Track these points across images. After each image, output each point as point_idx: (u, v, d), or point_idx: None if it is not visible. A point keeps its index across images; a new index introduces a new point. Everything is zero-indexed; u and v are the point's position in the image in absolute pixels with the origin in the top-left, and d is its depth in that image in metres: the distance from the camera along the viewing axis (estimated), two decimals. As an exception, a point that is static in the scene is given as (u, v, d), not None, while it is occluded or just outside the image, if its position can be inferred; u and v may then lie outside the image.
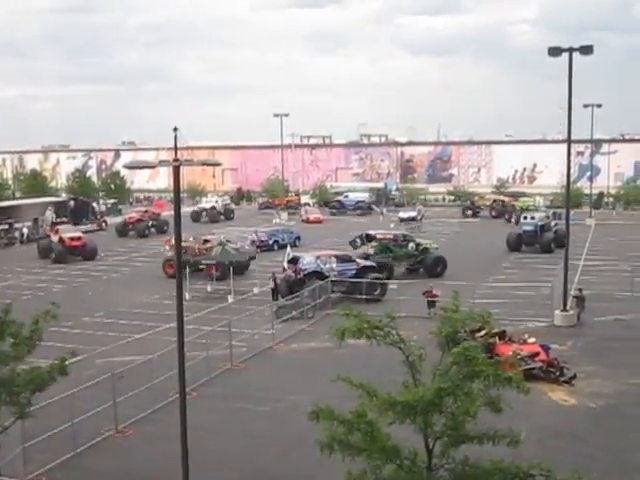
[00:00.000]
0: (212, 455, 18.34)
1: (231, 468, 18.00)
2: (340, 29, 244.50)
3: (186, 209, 76.28)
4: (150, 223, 67.64)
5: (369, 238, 45.31)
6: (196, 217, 77.27)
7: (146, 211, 71.25)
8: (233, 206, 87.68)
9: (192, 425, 15.36)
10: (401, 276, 41.91)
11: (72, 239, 53.25)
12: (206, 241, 46.88)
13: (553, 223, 54.80)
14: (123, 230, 67.11)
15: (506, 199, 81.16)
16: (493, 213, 78.69)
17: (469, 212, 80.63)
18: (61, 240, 53.09)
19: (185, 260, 40.00)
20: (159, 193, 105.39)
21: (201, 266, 42.05)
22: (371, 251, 43.71)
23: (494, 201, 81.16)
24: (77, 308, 35.05)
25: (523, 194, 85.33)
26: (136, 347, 26.43)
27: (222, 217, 78.89)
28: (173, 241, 50.85)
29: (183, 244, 46.90)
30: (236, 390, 23.71)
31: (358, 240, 45.48)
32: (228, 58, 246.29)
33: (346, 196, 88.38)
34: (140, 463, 18.39)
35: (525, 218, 56.85)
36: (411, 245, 44.68)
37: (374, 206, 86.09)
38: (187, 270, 38.88)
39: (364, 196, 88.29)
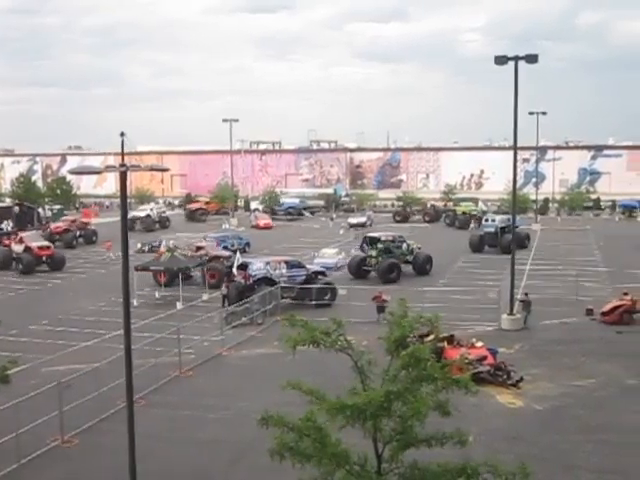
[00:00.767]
0: (160, 464, 18.10)
1: (179, 476, 17.80)
2: (291, 35, 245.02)
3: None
4: (78, 233, 64.84)
5: (373, 240, 46.57)
6: (130, 225, 72.82)
7: (74, 220, 68.00)
8: (169, 213, 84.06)
9: (140, 433, 15.16)
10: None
11: (41, 248, 50.24)
12: (199, 248, 46.62)
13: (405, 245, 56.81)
14: (50, 240, 60.91)
15: (438, 204, 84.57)
16: (426, 218, 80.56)
17: (398, 217, 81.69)
18: (28, 249, 49.76)
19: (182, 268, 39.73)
20: (107, 198, 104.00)
21: (192, 273, 41.54)
22: (373, 253, 45.03)
23: (425, 206, 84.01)
24: (23, 316, 34.37)
25: (473, 199, 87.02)
26: (83, 355, 26.02)
27: (158, 225, 75.11)
28: (111, 245, 50.73)
29: (179, 252, 46.62)
30: (185, 397, 23.47)
31: (365, 245, 46.75)
32: (178, 62, 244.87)
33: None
34: (87, 473, 18.05)
35: (487, 221, 58.86)
36: (405, 245, 46.63)
37: (304, 211, 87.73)
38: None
39: (295, 202, 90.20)
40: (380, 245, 45.53)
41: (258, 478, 17.17)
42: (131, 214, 74.66)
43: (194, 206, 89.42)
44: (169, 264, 40.37)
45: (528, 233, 59.51)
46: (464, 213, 76.20)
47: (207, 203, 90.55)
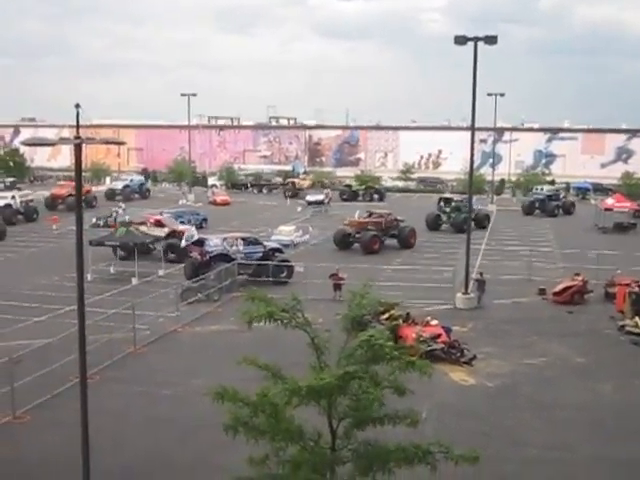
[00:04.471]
0: (114, 440, 18.03)
1: (131, 452, 17.74)
2: (252, 9, 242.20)
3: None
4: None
5: (447, 200, 59.83)
6: None
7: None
8: (33, 202, 64.09)
9: (93, 410, 15.04)
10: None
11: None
12: (371, 214, 50.47)
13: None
14: None
15: (297, 181, 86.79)
16: (287, 194, 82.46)
17: (345, 196, 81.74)
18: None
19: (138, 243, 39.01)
20: (60, 172, 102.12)
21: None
22: (448, 209, 57.70)
23: (286, 183, 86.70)
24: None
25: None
26: (35, 330, 25.72)
27: (21, 217, 60.07)
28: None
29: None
30: (139, 374, 23.37)
31: (442, 201, 60.00)
32: (134, 33, 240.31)
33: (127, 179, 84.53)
34: (38, 449, 17.88)
35: (536, 189, 73.59)
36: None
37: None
38: None
39: (139, 179, 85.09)
40: (453, 204, 57.78)
41: (211, 454, 17.23)
42: None
43: (61, 192, 68.54)
44: (125, 239, 39.91)
45: (573, 202, 72.32)
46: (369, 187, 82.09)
47: (61, 187, 71.35)
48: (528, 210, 68.67)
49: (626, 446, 18.38)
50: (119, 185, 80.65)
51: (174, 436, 18.61)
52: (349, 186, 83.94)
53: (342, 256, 43.56)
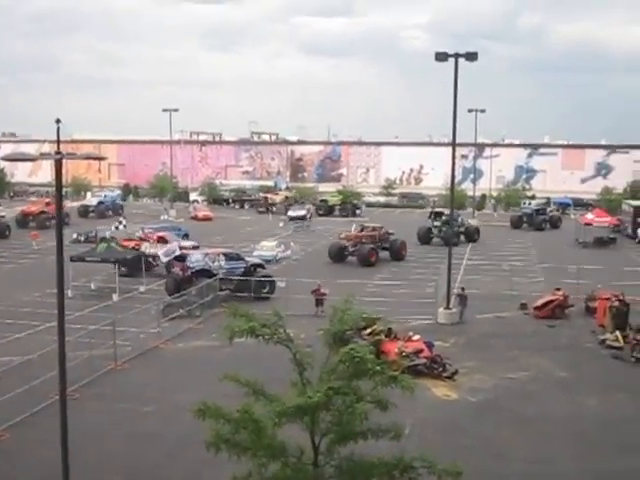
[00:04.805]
0: (94, 458, 17.81)
1: (114, 470, 17.54)
2: (236, 26, 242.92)
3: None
4: None
5: (438, 214, 59.81)
6: None
7: None
8: (5, 219, 62.76)
9: (74, 427, 14.89)
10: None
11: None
12: (363, 228, 51.47)
13: (460, 219, 62.47)
14: None
15: (270, 196, 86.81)
16: (259, 209, 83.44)
17: (321, 211, 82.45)
18: None
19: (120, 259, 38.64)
20: (42, 187, 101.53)
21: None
22: (438, 224, 58.09)
23: (264, 198, 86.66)
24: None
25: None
26: (15, 347, 25.41)
27: None
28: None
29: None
30: (120, 390, 23.14)
31: (433, 215, 60.33)
32: (119, 51, 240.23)
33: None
34: (17, 469, 17.61)
35: (524, 204, 76.67)
36: (460, 219, 59.12)
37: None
38: None
39: (113, 195, 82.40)
40: (444, 218, 57.05)
41: (193, 471, 17.07)
42: None
43: (32, 209, 66.47)
44: (106, 255, 39.66)
45: (560, 216, 73.21)
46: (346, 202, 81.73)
47: (48, 204, 62.98)
48: (516, 224, 70.33)
49: (609, 459, 18.46)
50: (93, 201, 79.19)
51: (159, 453, 18.44)
52: (325, 201, 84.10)
53: (325, 271, 43.49)
